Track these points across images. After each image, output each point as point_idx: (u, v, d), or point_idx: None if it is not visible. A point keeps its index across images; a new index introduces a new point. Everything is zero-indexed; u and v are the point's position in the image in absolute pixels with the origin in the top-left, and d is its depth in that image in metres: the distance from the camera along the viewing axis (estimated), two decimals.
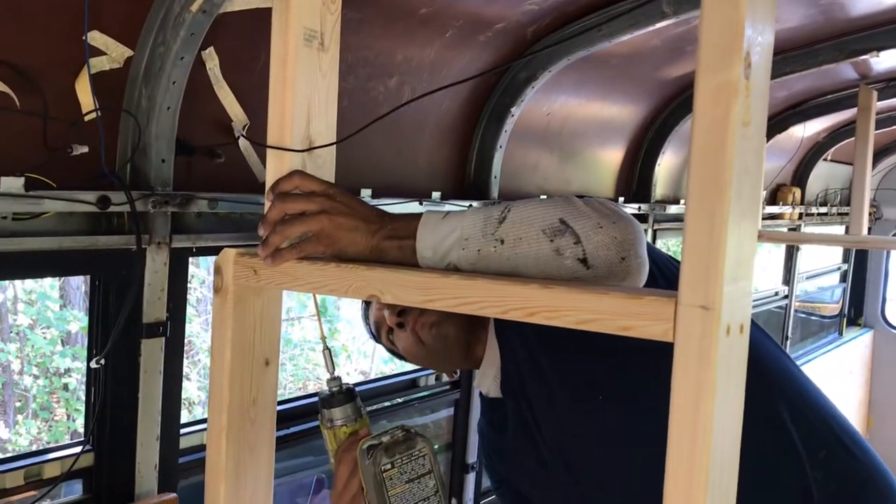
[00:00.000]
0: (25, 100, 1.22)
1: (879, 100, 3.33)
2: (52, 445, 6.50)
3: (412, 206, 1.91)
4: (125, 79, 1.36)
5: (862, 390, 5.78)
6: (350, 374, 8.43)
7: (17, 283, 7.76)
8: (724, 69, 0.75)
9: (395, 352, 1.45)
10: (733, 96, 0.75)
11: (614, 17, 1.86)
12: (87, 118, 1.29)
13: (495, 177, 2.20)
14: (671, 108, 2.83)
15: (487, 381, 1.34)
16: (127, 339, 1.39)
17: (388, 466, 1.13)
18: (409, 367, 2.14)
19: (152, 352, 1.43)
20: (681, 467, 0.77)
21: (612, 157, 2.76)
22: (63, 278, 7.92)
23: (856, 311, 5.93)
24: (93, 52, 1.29)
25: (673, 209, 3.04)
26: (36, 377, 7.77)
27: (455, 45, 1.82)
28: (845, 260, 5.63)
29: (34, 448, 7.27)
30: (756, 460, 1.06)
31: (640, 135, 2.80)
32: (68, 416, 7.79)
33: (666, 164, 3.00)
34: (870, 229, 5.65)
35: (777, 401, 1.14)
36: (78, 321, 7.72)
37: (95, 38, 1.29)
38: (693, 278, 0.76)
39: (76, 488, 1.42)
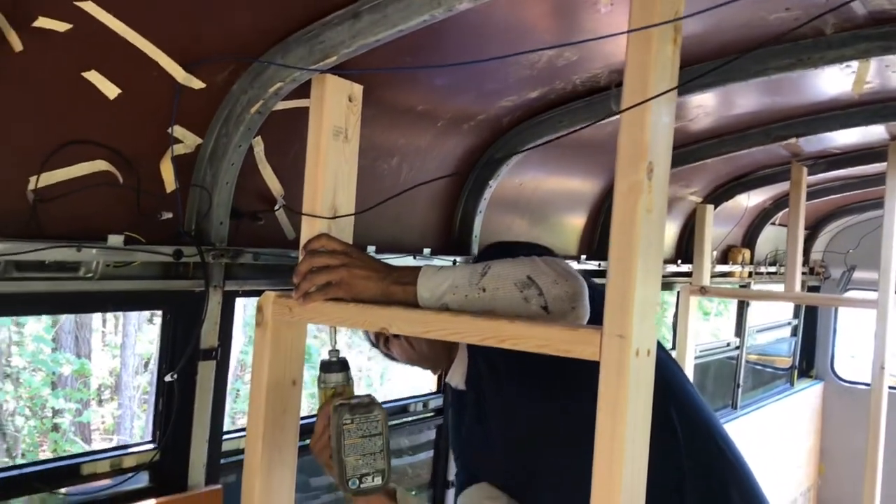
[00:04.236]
0: (126, 177, 1.61)
1: (810, 174, 3.82)
2: (130, 443, 6.76)
3: (407, 260, 2.33)
4: (195, 160, 1.75)
5: (813, 438, 6.16)
6: None
7: (12, 327, 8.05)
8: (634, 174, 1.17)
9: (390, 355, 1.80)
10: (639, 193, 1.17)
11: (572, 111, 2.31)
12: (168, 191, 1.70)
13: (476, 236, 2.62)
14: None
15: (457, 376, 1.72)
16: (188, 360, 1.78)
17: (349, 421, 1.43)
18: (403, 394, 2.52)
19: (206, 371, 1.81)
20: (604, 450, 1.12)
21: (575, 221, 3.20)
22: (57, 325, 8.24)
23: (807, 363, 6.32)
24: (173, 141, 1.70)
25: None
26: (27, 418, 8.01)
27: (445, 131, 2.26)
28: (796, 315, 6.07)
29: None
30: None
31: (599, 202, 3.25)
32: None
33: None
34: (818, 288, 6.12)
35: (669, 403, 1.53)
36: (70, 364, 8.00)
37: (177, 131, 1.70)
38: (614, 316, 1.15)
39: (143, 478, 1.79)
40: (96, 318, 9.71)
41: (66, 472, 1.66)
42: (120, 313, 9.54)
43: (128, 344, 9.33)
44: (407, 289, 1.39)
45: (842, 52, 1.94)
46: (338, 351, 1.55)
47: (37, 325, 8.08)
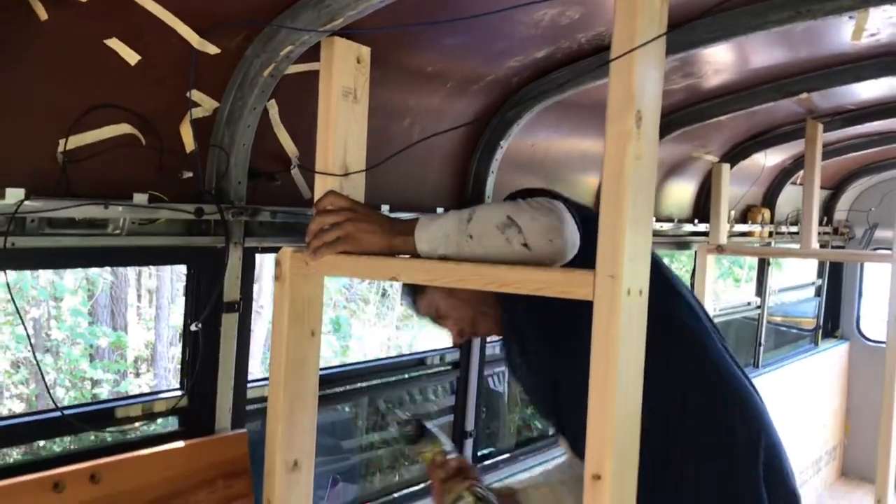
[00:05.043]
0: (148, 139, 1.70)
1: (826, 131, 3.82)
2: (160, 389, 7.07)
3: None
4: (213, 122, 1.83)
5: (839, 398, 6.17)
6: None
7: (51, 301, 8.31)
8: (623, 121, 1.23)
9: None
10: (628, 140, 1.23)
11: (578, 69, 2.36)
12: (188, 152, 1.80)
13: (488, 196, 2.68)
14: None
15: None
16: (212, 313, 1.88)
17: None
18: (420, 347, 2.62)
19: (229, 323, 1.92)
20: (598, 388, 1.19)
21: (588, 180, 3.25)
22: (94, 297, 8.49)
23: (833, 323, 6.32)
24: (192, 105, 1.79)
25: None
26: (68, 389, 8.29)
27: (455, 93, 2.32)
28: (820, 275, 6.07)
29: None
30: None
31: None
32: None
33: None
34: (843, 247, 6.09)
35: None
36: (107, 337, 8.24)
37: (195, 94, 1.78)
38: (605, 257, 1.20)
39: (174, 422, 1.91)
40: (131, 293, 9.96)
41: (101, 415, 1.79)
42: (153, 287, 9.78)
43: (161, 316, 9.57)
44: (407, 240, 1.44)
45: (840, 3, 1.96)
46: (409, 420, 1.76)
47: (73, 300, 8.32)
